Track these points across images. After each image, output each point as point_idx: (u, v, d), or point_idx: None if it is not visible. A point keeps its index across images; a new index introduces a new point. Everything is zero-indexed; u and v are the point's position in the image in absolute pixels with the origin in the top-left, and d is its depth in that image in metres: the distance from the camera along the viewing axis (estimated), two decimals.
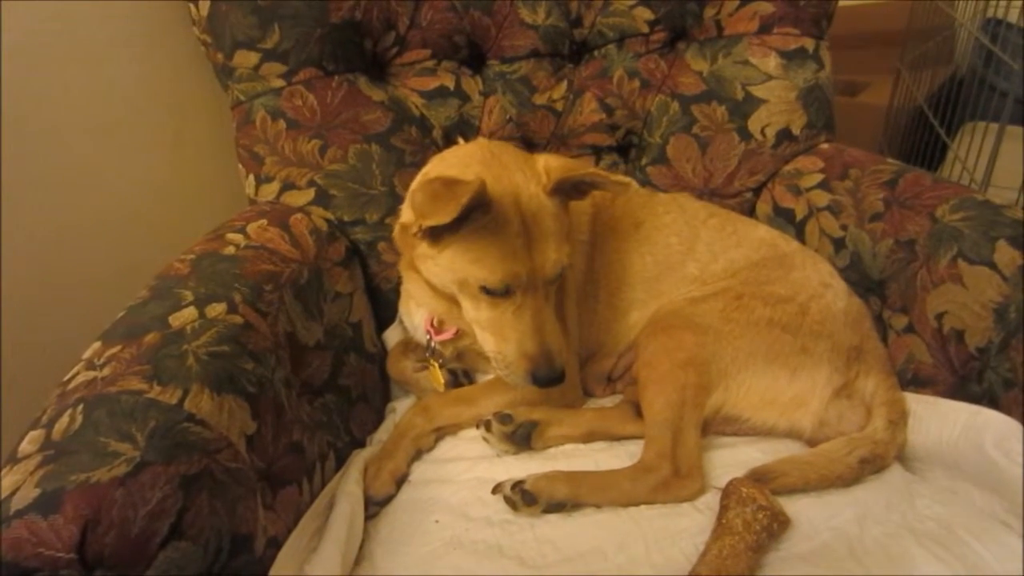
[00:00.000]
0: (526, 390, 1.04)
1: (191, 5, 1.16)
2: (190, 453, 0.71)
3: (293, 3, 1.14)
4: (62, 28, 1.13)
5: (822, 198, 1.21)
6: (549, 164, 0.96)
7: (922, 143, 1.82)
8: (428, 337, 1.10)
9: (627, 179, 0.94)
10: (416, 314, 1.14)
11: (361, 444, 1.10)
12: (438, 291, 1.01)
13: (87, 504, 0.63)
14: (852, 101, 2.13)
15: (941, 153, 1.75)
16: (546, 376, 0.92)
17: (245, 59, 1.15)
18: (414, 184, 1.01)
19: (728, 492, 0.86)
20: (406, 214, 0.99)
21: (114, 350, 0.80)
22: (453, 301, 1.00)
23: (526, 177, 0.93)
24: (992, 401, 0.90)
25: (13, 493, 0.64)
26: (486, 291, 0.92)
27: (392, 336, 1.25)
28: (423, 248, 0.94)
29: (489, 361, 1.11)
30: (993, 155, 1.45)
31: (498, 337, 0.94)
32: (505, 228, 0.89)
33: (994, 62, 1.62)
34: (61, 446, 0.68)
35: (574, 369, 1.11)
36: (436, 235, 0.90)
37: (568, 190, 0.96)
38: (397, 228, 1.04)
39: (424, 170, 1.02)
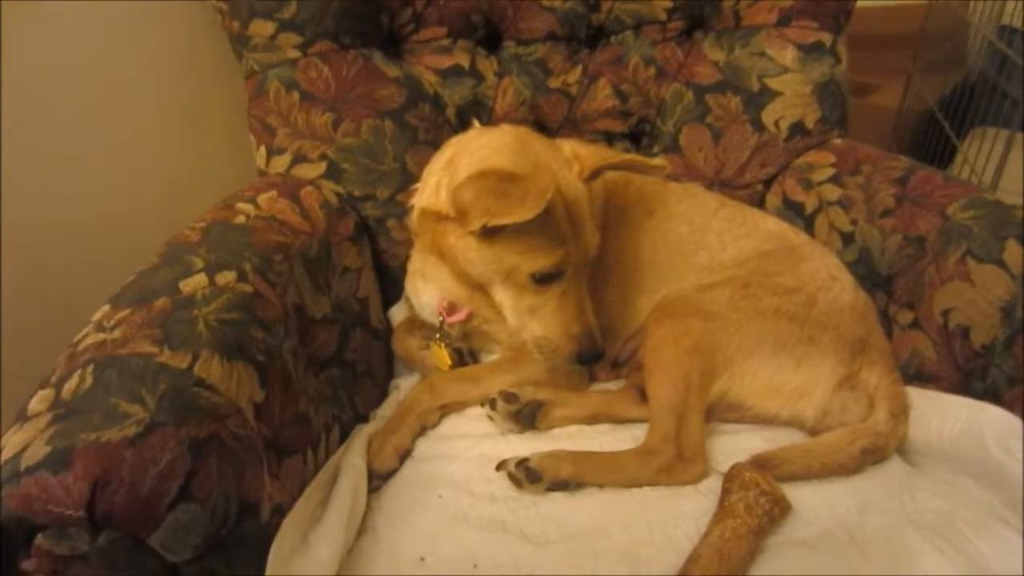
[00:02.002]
0: (533, 371, 1.05)
1: None
2: (200, 417, 0.71)
3: None
4: (73, 5, 1.11)
5: (833, 192, 1.21)
6: (576, 150, 0.97)
7: (930, 146, 1.82)
8: (441, 319, 1.10)
9: (662, 162, 0.96)
10: (423, 293, 1.13)
11: (365, 419, 1.10)
12: (461, 277, 1.00)
13: (97, 463, 0.63)
14: (863, 102, 2.13)
15: (949, 157, 1.76)
16: (590, 354, 0.96)
17: (261, 28, 1.14)
18: (438, 166, 0.98)
19: (731, 476, 0.87)
20: (429, 199, 0.97)
21: (124, 313, 0.79)
22: (475, 286, 1.00)
23: (559, 164, 0.94)
24: (995, 398, 0.91)
25: (23, 450, 0.64)
26: (535, 279, 0.92)
27: (398, 313, 1.25)
28: (465, 240, 0.93)
29: (497, 342, 1.13)
30: (1002, 160, 1.45)
31: (543, 323, 0.95)
32: (552, 216, 0.90)
33: (1007, 68, 1.63)
34: (71, 405, 0.68)
35: None
36: (490, 230, 0.88)
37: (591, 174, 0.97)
38: (417, 212, 1.02)
39: (447, 156, 0.99)
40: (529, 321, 0.96)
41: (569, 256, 0.92)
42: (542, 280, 0.93)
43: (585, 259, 0.96)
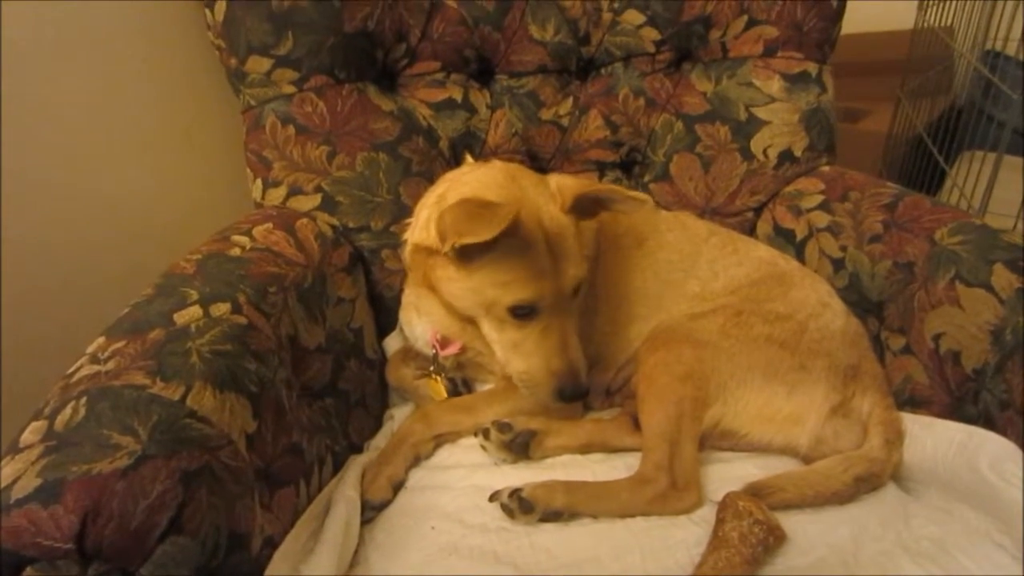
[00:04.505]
0: (526, 400, 1.04)
1: (207, 9, 1.18)
2: (191, 449, 0.71)
3: (308, 11, 1.16)
4: (73, 28, 1.14)
5: (822, 219, 1.23)
6: (562, 184, 0.98)
7: (920, 171, 1.84)
8: (434, 352, 1.11)
9: (644, 196, 0.96)
10: (417, 324, 1.14)
11: (359, 450, 1.10)
12: (452, 310, 1.01)
13: (88, 495, 0.63)
14: (852, 128, 2.16)
15: (939, 181, 1.78)
16: (572, 392, 0.95)
17: (258, 64, 1.17)
18: (431, 201, 1.00)
19: (725, 505, 0.87)
20: (421, 234, 0.99)
21: (118, 345, 0.80)
22: (465, 319, 1.01)
23: (544, 198, 0.95)
24: (988, 422, 0.91)
25: (14, 482, 0.64)
26: (514, 313, 0.93)
27: (392, 343, 1.26)
28: (448, 271, 0.95)
29: (491, 372, 1.13)
30: (990, 183, 1.47)
31: (524, 358, 0.96)
32: (532, 249, 0.91)
33: (993, 93, 1.66)
34: (63, 437, 0.68)
35: None
36: (466, 258, 0.90)
37: (580, 210, 0.98)
38: (409, 247, 1.04)
39: (439, 192, 1.01)
40: (511, 355, 0.97)
41: (548, 290, 0.92)
42: (521, 314, 0.93)
43: (567, 293, 0.96)
